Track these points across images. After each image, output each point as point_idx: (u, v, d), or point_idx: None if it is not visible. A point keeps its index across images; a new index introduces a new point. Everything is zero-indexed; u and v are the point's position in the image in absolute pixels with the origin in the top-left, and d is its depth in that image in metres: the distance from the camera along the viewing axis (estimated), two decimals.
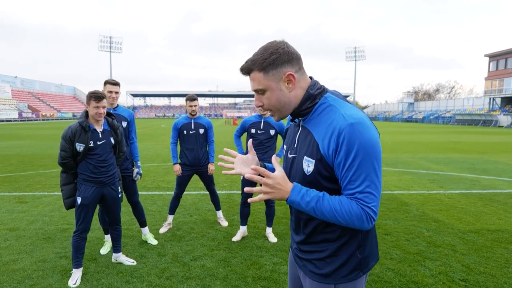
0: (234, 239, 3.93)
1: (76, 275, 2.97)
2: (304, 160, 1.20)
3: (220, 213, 4.52)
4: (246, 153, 3.88)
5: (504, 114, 43.76)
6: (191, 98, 4.13)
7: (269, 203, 3.95)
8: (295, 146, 1.28)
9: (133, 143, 3.81)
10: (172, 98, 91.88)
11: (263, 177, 1.13)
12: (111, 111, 3.64)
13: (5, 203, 5.39)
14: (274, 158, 1.19)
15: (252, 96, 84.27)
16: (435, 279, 3.05)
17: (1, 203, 5.42)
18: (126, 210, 4.96)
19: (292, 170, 1.27)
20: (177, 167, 4.19)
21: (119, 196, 3.18)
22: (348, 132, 1.09)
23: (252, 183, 3.65)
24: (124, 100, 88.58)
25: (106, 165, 3.01)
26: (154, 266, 3.27)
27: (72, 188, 2.97)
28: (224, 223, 4.43)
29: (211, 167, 4.27)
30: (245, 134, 4.14)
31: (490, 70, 49.08)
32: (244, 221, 4.01)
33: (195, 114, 4.14)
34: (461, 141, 18.72)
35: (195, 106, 4.11)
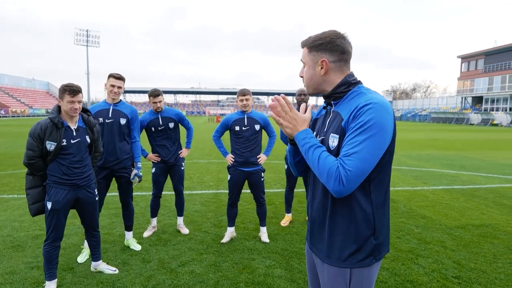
0: (223, 241, 3.76)
1: (50, 287, 2.69)
2: (330, 137, 1.29)
3: (181, 220, 4.10)
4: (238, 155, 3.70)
5: (474, 113, 45.95)
6: (155, 93, 3.77)
7: (260, 201, 3.79)
8: (324, 130, 1.36)
9: (135, 142, 3.57)
10: None
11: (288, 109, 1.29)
12: (111, 106, 3.43)
13: None
14: (311, 105, 1.37)
15: (234, 93, 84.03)
16: (429, 277, 3.02)
17: None
18: (106, 213, 4.67)
19: None
20: (151, 155, 3.91)
21: (96, 199, 2.93)
22: (366, 108, 1.18)
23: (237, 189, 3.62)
24: (102, 96, 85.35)
25: (80, 166, 2.74)
26: (139, 274, 3.04)
27: (40, 192, 2.67)
28: (185, 231, 4.05)
29: (184, 151, 4.03)
30: (226, 134, 3.92)
31: (462, 70, 51.33)
32: (231, 222, 3.84)
33: (160, 111, 3.85)
34: (439, 138, 19.40)
35: (159, 102, 3.78)
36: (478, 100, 49.29)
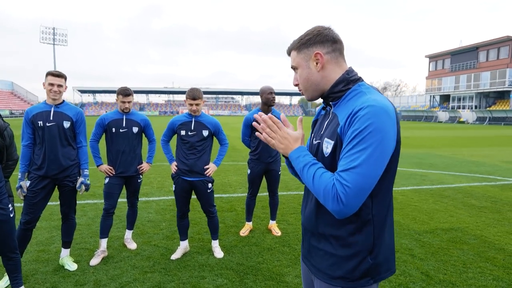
0: (173, 257, 3.33)
1: None
2: (324, 142, 1.20)
3: (129, 234, 3.69)
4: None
5: (442, 111, 47.95)
6: (125, 92, 3.38)
7: (209, 214, 3.40)
8: (321, 132, 1.26)
9: (81, 147, 3.15)
10: None
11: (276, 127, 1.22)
12: (52, 108, 2.97)
13: None
14: (299, 119, 1.26)
15: (208, 93, 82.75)
16: None
17: None
18: (46, 226, 4.12)
19: (317, 155, 1.24)
20: (105, 167, 3.39)
21: (11, 216, 2.43)
22: (365, 111, 1.07)
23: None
24: (71, 96, 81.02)
25: None
26: None
27: None
28: (132, 246, 3.59)
29: (145, 166, 3.57)
30: (174, 138, 3.46)
31: (430, 70, 53.37)
32: (183, 236, 3.43)
33: (128, 111, 3.45)
34: (410, 136, 19.83)
35: (129, 102, 3.40)
36: (445, 98, 51.46)
